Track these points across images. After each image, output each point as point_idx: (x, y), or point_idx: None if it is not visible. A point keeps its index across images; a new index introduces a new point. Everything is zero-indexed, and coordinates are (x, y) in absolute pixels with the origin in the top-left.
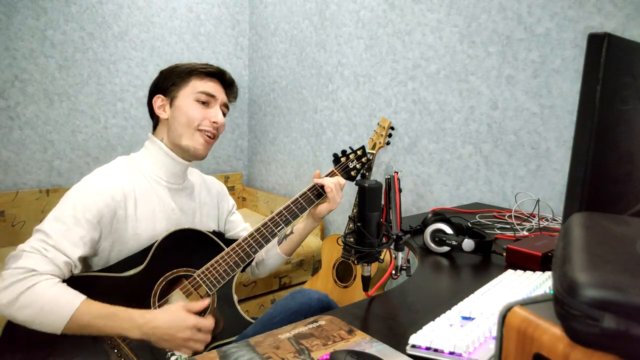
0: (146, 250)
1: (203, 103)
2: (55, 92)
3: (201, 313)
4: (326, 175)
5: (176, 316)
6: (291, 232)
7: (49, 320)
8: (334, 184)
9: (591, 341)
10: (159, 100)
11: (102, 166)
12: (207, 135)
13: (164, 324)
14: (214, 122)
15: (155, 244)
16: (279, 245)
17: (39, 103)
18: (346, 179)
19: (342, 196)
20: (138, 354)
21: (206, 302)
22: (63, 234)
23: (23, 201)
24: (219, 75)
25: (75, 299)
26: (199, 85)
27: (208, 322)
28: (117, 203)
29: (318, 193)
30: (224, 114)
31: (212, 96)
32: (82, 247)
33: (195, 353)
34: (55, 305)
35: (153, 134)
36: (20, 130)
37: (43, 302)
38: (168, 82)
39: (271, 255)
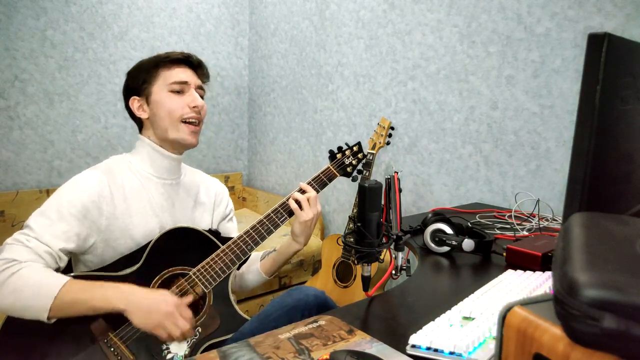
0: (142, 249)
1: (178, 92)
2: (55, 92)
3: (197, 314)
4: (322, 172)
5: (162, 293)
6: (274, 250)
7: (35, 302)
8: (301, 198)
9: (591, 341)
10: (135, 102)
11: (94, 165)
12: (192, 123)
13: (149, 295)
14: (194, 107)
15: (151, 243)
16: (261, 261)
17: (39, 103)
18: (342, 175)
19: (316, 211)
20: (135, 353)
21: (188, 299)
22: (46, 228)
23: (23, 201)
24: (185, 60)
25: (60, 279)
26: (168, 76)
27: (189, 311)
28: (103, 199)
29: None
30: (202, 96)
31: (185, 82)
32: (65, 241)
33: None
34: (40, 287)
35: (140, 134)
36: (20, 130)
37: (29, 283)
38: (138, 80)
39: (251, 270)
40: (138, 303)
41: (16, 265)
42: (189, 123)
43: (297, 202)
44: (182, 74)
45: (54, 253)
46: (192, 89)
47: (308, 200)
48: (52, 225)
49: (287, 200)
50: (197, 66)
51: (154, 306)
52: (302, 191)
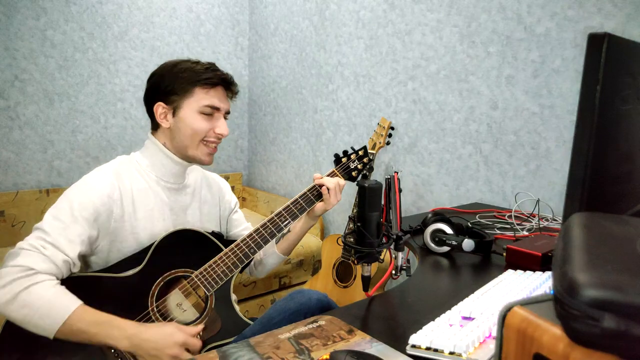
0: (145, 250)
1: (207, 114)
2: (55, 92)
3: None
4: (327, 176)
5: (167, 331)
6: (288, 231)
7: (43, 322)
8: (333, 184)
9: (591, 341)
10: (160, 108)
11: (101, 165)
12: (212, 146)
13: (153, 337)
14: (219, 134)
15: (154, 244)
16: (276, 244)
17: (39, 103)
18: (347, 179)
19: (340, 198)
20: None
21: (200, 327)
22: (61, 232)
23: (23, 201)
24: (223, 82)
25: (71, 304)
26: (203, 98)
27: (197, 342)
28: (113, 202)
29: (318, 193)
30: (226, 118)
31: (217, 109)
32: (79, 245)
33: None
34: (50, 308)
35: (153, 134)
36: (20, 130)
37: (40, 304)
38: (170, 88)
39: (269, 254)
40: (144, 346)
41: (32, 276)
42: (209, 145)
43: (326, 188)
44: (217, 99)
45: (70, 261)
46: (222, 116)
47: (335, 188)
48: (67, 229)
49: (292, 203)
50: (231, 87)
51: (160, 348)
52: (317, 189)
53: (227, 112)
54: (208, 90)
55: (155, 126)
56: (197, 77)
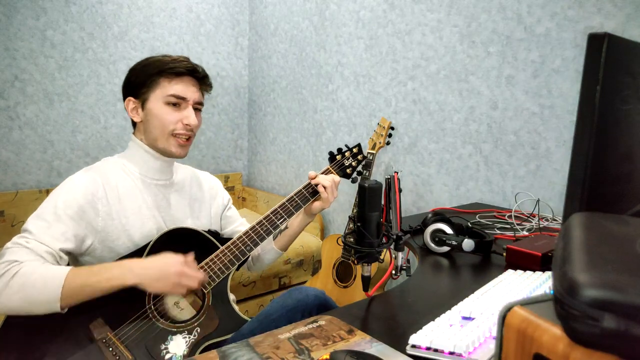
0: (141, 249)
1: (174, 105)
2: (55, 92)
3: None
4: (321, 173)
5: (164, 256)
6: (286, 227)
7: (44, 293)
8: (329, 182)
9: (591, 341)
10: (130, 103)
11: (87, 166)
12: (182, 138)
13: (155, 264)
14: (187, 125)
15: (150, 243)
16: (273, 240)
17: (39, 103)
18: (342, 176)
19: (336, 195)
20: (133, 351)
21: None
22: (44, 230)
23: (22, 201)
24: (190, 72)
25: (62, 269)
26: (168, 88)
27: (194, 262)
28: (98, 199)
29: (314, 190)
30: (199, 110)
31: (183, 98)
32: (64, 242)
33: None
34: (45, 279)
35: (133, 134)
36: (20, 130)
37: (34, 278)
38: (137, 82)
39: (267, 250)
40: (147, 274)
41: (17, 265)
42: (179, 137)
43: (323, 186)
44: (183, 88)
45: (54, 252)
46: (189, 106)
47: (332, 185)
48: (50, 227)
49: (288, 201)
50: (201, 78)
51: (163, 271)
52: (312, 186)
53: (199, 104)
54: (172, 79)
55: (133, 124)
56: (162, 67)
